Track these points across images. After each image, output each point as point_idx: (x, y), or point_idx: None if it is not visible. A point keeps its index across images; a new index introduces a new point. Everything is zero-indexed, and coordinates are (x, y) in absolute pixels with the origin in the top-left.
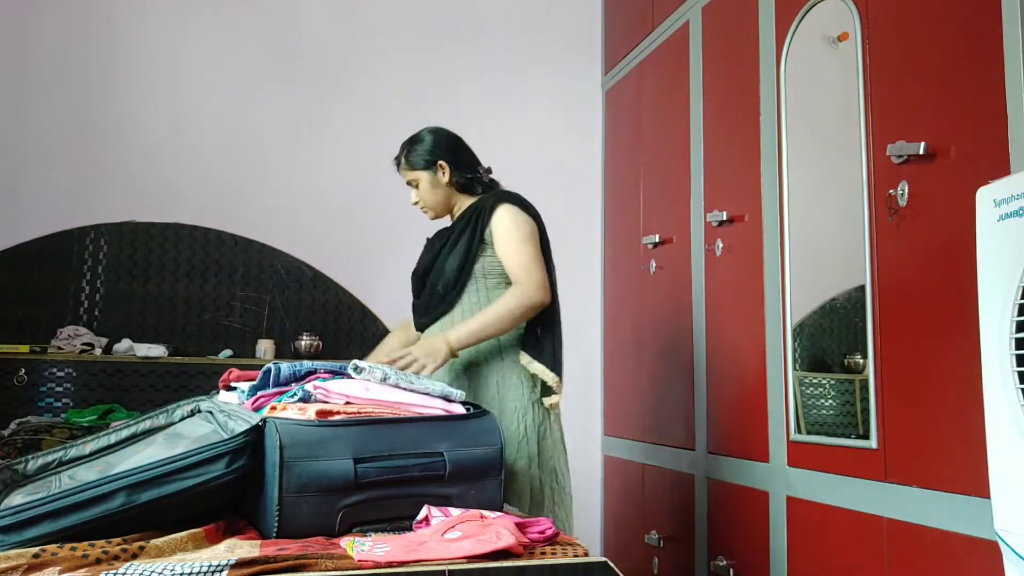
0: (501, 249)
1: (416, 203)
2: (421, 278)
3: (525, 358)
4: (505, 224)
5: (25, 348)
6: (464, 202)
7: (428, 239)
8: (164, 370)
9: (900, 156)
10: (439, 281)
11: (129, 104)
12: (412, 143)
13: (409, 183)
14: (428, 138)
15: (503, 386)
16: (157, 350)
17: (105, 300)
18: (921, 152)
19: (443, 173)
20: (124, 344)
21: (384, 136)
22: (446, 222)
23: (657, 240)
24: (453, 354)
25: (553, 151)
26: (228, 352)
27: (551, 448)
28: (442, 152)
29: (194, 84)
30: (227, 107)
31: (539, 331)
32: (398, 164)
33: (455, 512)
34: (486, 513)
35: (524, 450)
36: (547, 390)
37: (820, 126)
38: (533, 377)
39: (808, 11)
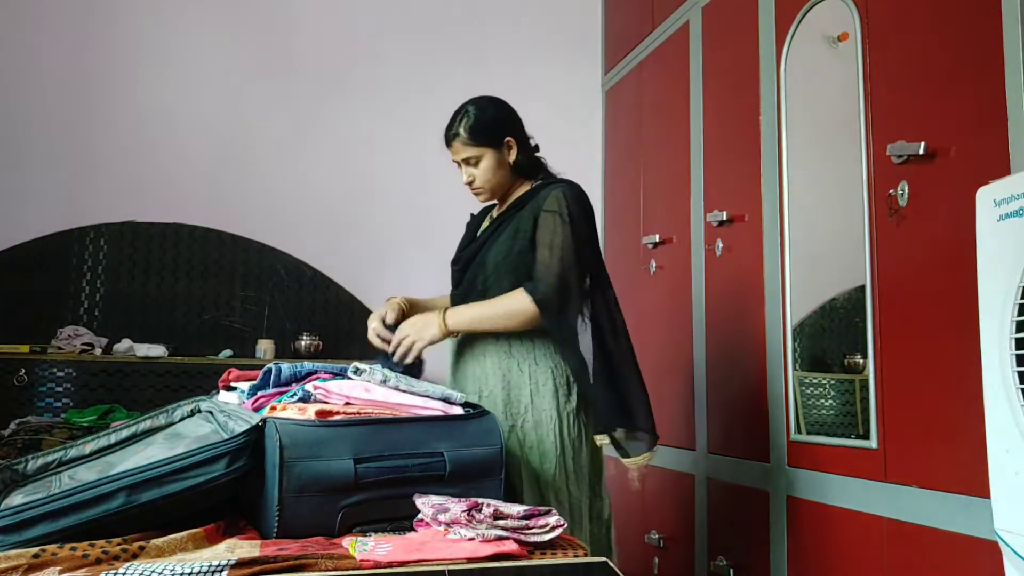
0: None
1: (470, 183)
2: (461, 270)
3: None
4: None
5: (25, 348)
6: (520, 187)
7: (468, 223)
8: (164, 370)
9: (900, 156)
10: (479, 275)
11: (129, 104)
12: (474, 114)
13: (465, 161)
14: (491, 109)
15: (536, 395)
16: (157, 350)
17: (105, 300)
18: (921, 152)
19: (510, 151)
20: (124, 344)
21: (384, 136)
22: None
23: (657, 240)
24: (447, 334)
25: (553, 150)
26: (228, 352)
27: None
28: (510, 127)
29: (194, 84)
30: (227, 107)
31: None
32: (451, 138)
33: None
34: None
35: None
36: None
37: (820, 126)
38: (568, 385)
39: (808, 11)
